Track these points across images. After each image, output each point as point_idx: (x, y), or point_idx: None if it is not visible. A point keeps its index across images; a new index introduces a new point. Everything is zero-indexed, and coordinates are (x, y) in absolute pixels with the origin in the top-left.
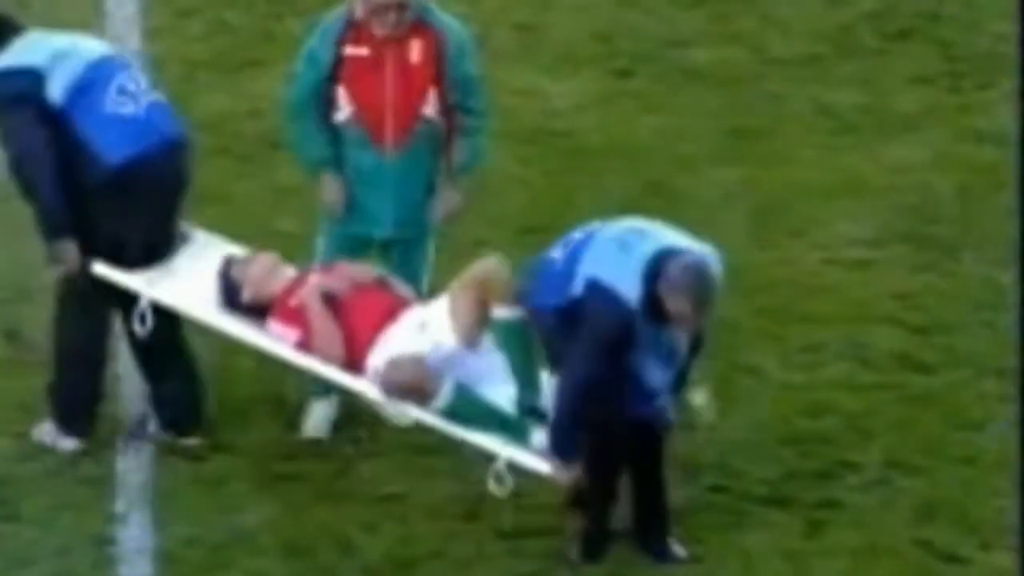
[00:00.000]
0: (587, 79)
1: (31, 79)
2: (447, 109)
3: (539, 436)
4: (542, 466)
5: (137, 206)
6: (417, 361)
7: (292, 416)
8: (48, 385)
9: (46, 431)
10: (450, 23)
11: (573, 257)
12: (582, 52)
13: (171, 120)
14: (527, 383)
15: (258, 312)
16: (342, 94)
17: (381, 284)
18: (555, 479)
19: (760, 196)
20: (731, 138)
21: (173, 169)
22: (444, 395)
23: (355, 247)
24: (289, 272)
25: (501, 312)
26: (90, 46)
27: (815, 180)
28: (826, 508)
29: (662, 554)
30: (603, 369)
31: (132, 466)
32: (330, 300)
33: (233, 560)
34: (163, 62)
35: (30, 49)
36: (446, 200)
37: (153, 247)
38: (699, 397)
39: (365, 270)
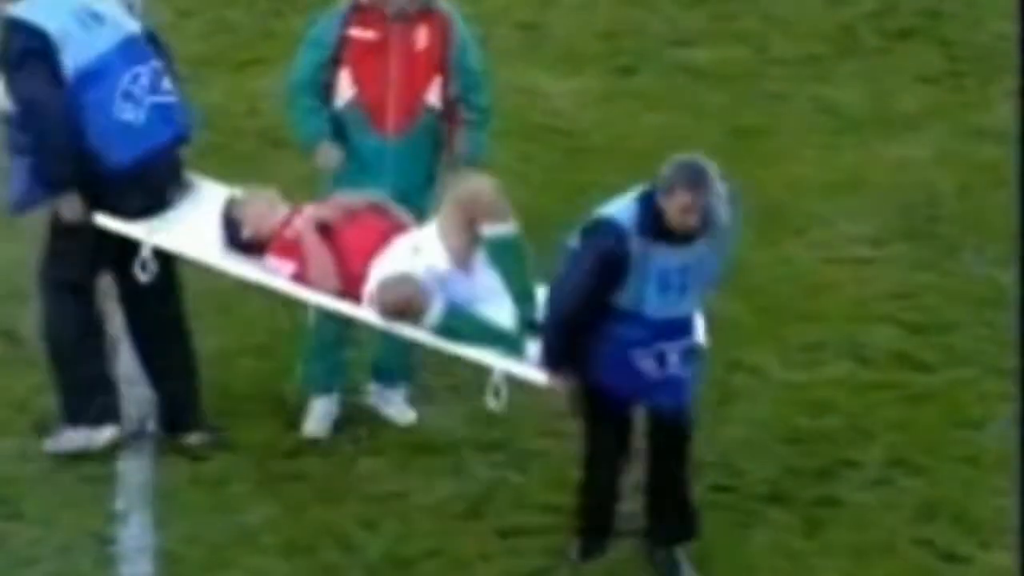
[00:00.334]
0: (589, 78)
1: (43, 42)
2: (450, 100)
3: (536, 348)
4: (539, 376)
5: (133, 198)
6: (404, 279)
7: (292, 415)
8: (53, 386)
9: (64, 439)
10: (458, 14)
11: None
12: (584, 51)
13: (171, 121)
14: (523, 297)
15: (259, 249)
16: (345, 76)
17: (377, 209)
18: (552, 388)
19: (761, 195)
20: (732, 137)
21: (169, 167)
22: (436, 313)
23: None
24: (287, 208)
25: (492, 229)
26: (106, 33)
27: (816, 179)
28: (826, 507)
29: (665, 567)
30: (594, 286)
31: (132, 465)
32: (325, 229)
33: (234, 559)
34: None
35: (53, 3)
36: (446, 190)
37: (153, 208)
38: None
39: (361, 197)
